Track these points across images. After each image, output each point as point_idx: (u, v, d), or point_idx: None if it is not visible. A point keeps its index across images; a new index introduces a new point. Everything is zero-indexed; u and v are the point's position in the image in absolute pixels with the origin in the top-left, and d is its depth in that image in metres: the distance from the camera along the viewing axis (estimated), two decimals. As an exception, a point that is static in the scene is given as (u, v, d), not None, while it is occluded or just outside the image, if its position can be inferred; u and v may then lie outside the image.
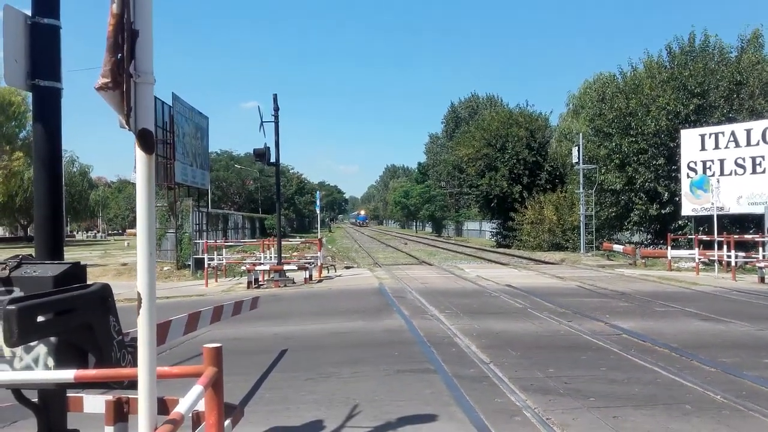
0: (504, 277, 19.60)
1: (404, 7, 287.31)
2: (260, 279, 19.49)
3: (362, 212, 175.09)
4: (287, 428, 5.66)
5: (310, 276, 20.17)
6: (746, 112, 26.97)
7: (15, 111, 56.70)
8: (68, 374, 2.75)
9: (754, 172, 23.67)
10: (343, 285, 18.88)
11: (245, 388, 6.99)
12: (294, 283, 19.29)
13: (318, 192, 36.32)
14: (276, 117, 19.88)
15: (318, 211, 34.51)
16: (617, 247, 27.93)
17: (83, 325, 3.07)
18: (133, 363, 2.80)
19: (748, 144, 23.84)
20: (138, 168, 2.47)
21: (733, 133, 24.39)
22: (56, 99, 4.07)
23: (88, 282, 3.38)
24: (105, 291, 3.21)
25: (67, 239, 65.39)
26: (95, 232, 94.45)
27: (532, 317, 11.75)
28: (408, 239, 62.93)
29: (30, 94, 4.03)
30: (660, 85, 28.82)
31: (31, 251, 3.95)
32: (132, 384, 2.62)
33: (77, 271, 3.39)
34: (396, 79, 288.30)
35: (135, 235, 2.53)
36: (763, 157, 23.38)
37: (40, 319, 2.75)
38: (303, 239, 42.70)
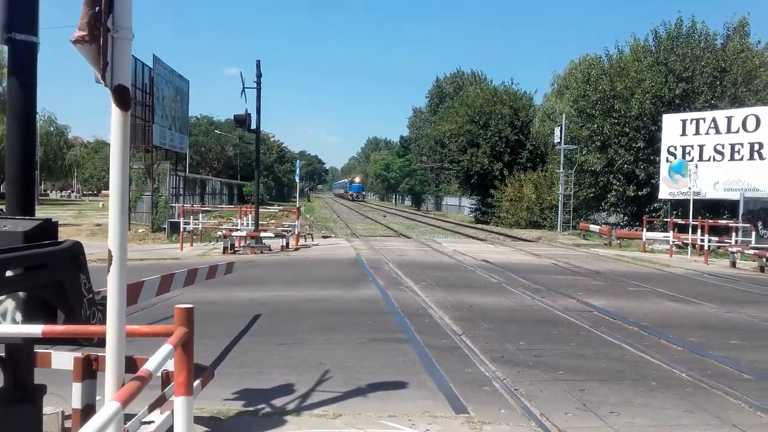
0: (481, 253, 19.73)
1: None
2: (236, 245, 19.43)
3: (356, 179, 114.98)
4: (258, 390, 5.69)
5: (287, 244, 20.13)
6: (728, 99, 27.21)
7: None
8: (36, 329, 2.73)
9: (732, 159, 23.94)
10: (320, 254, 18.89)
11: (217, 350, 7.00)
12: (270, 250, 19.25)
13: (298, 161, 36.10)
14: (258, 84, 19.59)
15: (297, 180, 34.33)
16: (593, 227, 28.20)
17: (53, 281, 3.04)
18: (103, 321, 2.79)
19: (728, 131, 24.06)
20: (113, 125, 2.43)
21: (714, 120, 24.59)
22: (32, 53, 3.97)
23: (60, 240, 3.35)
24: (76, 248, 3.18)
25: (40, 198, 64.45)
26: (70, 192, 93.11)
27: (506, 292, 11.88)
28: (387, 212, 62.96)
29: (5, 49, 3.94)
30: (646, 68, 28.91)
31: (2, 207, 3.88)
32: (101, 342, 2.61)
33: (48, 228, 3.35)
34: (382, 53, 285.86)
35: (109, 194, 2.49)
36: (741, 144, 23.64)
37: (9, 273, 2.72)
38: (281, 207, 42.57)
